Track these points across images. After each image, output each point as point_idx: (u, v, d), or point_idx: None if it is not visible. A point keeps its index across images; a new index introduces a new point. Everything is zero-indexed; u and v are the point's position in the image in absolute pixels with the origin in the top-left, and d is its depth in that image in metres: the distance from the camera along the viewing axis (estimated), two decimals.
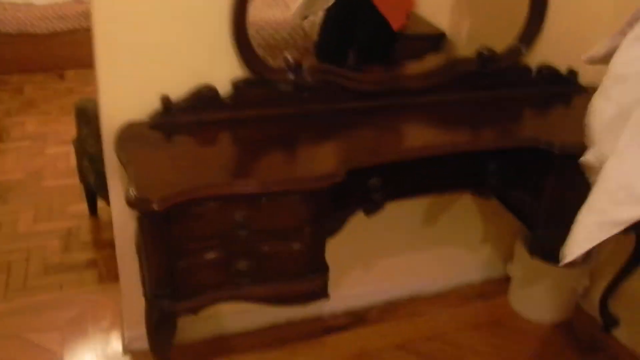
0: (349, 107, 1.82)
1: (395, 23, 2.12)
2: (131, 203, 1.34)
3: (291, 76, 1.73)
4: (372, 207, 1.59)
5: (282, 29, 2.57)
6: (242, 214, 1.41)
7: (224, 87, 1.72)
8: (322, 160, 1.57)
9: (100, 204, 2.87)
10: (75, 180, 2.90)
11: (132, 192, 1.35)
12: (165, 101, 1.66)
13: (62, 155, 3.43)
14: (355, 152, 1.60)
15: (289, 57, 1.73)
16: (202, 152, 1.58)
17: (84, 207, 2.94)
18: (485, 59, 1.95)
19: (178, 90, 1.69)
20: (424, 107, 1.87)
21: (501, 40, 2.05)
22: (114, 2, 1.57)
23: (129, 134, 1.63)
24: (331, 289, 1.59)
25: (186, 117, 1.69)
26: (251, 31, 1.68)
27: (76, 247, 2.75)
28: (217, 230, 1.42)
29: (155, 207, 1.31)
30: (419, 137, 1.73)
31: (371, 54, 2.22)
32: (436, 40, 2.57)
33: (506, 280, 2.50)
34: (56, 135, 3.66)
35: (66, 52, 4.40)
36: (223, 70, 1.72)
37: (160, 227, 1.37)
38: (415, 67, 2.13)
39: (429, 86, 1.89)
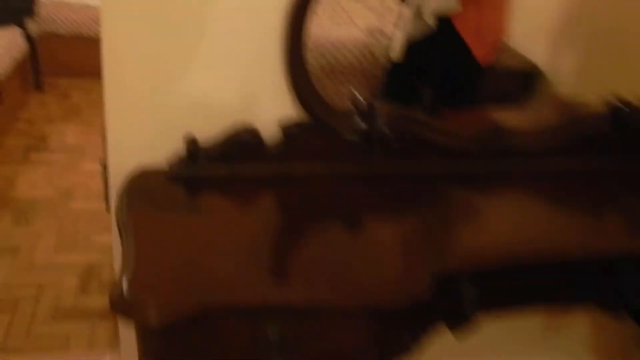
0: (434, 170, 1.36)
1: (483, 55, 1.66)
2: (117, 306, 0.92)
3: (361, 123, 1.28)
4: (459, 320, 1.12)
5: (344, 49, 2.15)
6: (276, 331, 0.96)
7: (268, 131, 1.29)
8: (398, 256, 1.12)
9: None
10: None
11: (122, 288, 0.93)
12: (191, 145, 1.25)
13: (98, 173, 3.08)
14: (446, 247, 1.13)
15: (359, 96, 1.29)
16: (232, 224, 1.14)
17: (110, 239, 2.57)
18: (621, 113, 1.45)
19: (208, 130, 1.27)
20: (535, 177, 1.39)
21: (618, 82, 1.56)
22: (127, 10, 1.17)
23: (140, 186, 1.22)
24: None
25: (217, 169, 1.27)
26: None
27: (94, 289, 2.38)
28: (241, 354, 0.97)
29: (152, 320, 0.89)
30: (532, 228, 1.24)
31: (452, 93, 1.76)
32: (529, 77, 2.09)
33: None
34: (95, 149, 3.33)
35: None
36: (269, 109, 1.30)
37: (158, 344, 0.94)
38: (517, 119, 1.64)
39: (543, 148, 1.41)
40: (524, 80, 2.09)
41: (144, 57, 1.22)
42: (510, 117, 1.62)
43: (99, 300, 2.31)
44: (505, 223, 1.25)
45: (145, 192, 1.20)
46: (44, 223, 2.72)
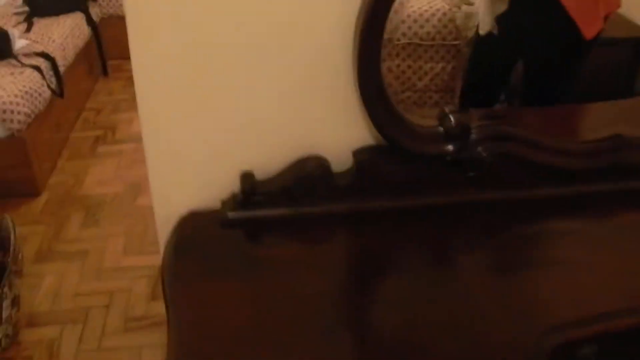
0: (540, 197, 1.10)
1: (589, 29, 1.37)
2: None
3: (450, 146, 1.04)
4: None
5: (424, 22, 1.89)
6: None
7: (338, 160, 1.08)
8: (508, 315, 0.89)
9: None
10: None
11: None
12: (247, 181, 1.05)
13: None
14: (563, 305, 0.89)
15: (449, 113, 1.04)
16: (300, 292, 0.94)
17: None
18: None
19: (266, 164, 1.07)
20: None
21: None
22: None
23: (190, 235, 1.04)
24: None
25: (279, 209, 1.07)
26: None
27: None
28: None
29: None
30: None
31: (549, 70, 1.48)
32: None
33: None
34: None
35: None
36: (337, 133, 1.08)
37: None
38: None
39: None
40: (631, 48, 1.77)
41: (185, 83, 1.02)
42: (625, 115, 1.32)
43: None
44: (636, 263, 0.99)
45: (196, 244, 1.02)
46: (112, 222, 2.64)
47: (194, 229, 1.05)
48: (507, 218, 1.07)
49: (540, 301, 0.93)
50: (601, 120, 1.28)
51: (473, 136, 1.05)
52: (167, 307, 0.91)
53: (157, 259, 2.40)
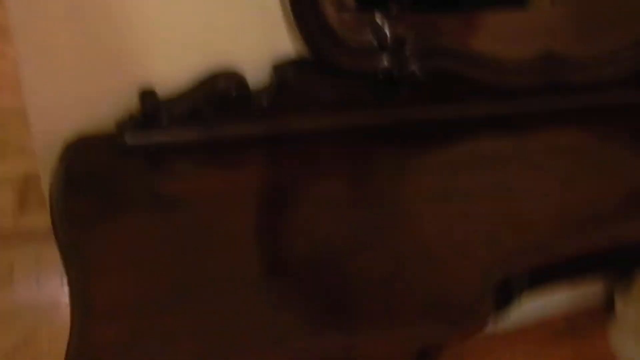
0: (475, 114, 1.03)
1: None
2: None
3: (384, 61, 0.93)
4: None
5: None
6: None
7: (256, 76, 0.93)
8: (446, 259, 0.82)
9: None
10: None
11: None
12: (149, 100, 0.88)
13: None
14: (505, 241, 0.84)
15: (384, 24, 0.92)
16: (216, 228, 0.81)
17: None
18: None
19: (171, 78, 0.90)
20: (595, 115, 1.09)
21: None
22: None
23: (80, 169, 0.86)
24: None
25: (186, 133, 0.91)
26: None
27: (34, 206, 2.04)
28: None
29: None
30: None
31: None
32: None
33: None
34: None
35: None
36: (256, 43, 0.92)
37: None
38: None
39: (607, 79, 1.09)
40: None
41: None
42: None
43: (42, 219, 1.99)
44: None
45: (90, 177, 0.85)
46: None
47: (85, 158, 0.87)
48: (439, 140, 1.00)
49: (481, 231, 0.87)
50: (525, 31, 1.22)
51: (408, 51, 0.94)
52: (63, 258, 0.76)
53: (20, 165, 2.14)
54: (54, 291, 1.76)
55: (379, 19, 0.91)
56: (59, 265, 0.79)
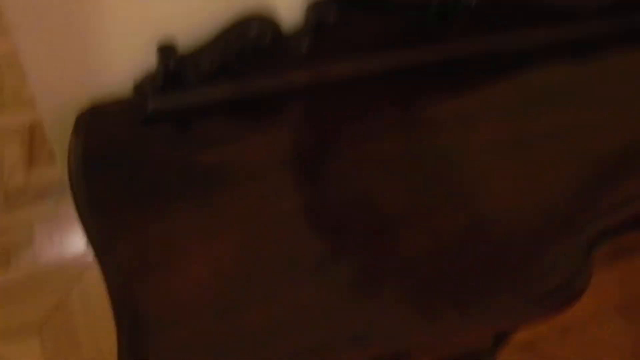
0: (539, 41, 0.90)
1: None
2: None
3: None
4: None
5: None
6: None
7: (287, 19, 0.80)
8: (512, 189, 0.72)
9: None
10: None
11: None
12: (169, 57, 0.76)
13: None
14: (573, 179, 0.74)
15: None
16: (271, 205, 0.71)
17: None
18: None
19: (193, 29, 0.77)
20: None
21: None
22: None
23: (98, 148, 0.75)
24: None
25: (214, 91, 0.79)
26: None
27: (44, 160, 1.95)
28: None
29: None
30: None
31: None
32: None
33: None
34: None
35: None
36: None
37: None
38: None
39: None
40: None
41: None
42: None
43: (55, 172, 1.90)
44: None
45: (112, 155, 0.74)
46: None
47: (103, 131, 0.76)
48: (503, 76, 0.87)
49: (550, 175, 0.77)
50: None
51: None
52: (94, 249, 0.66)
53: (23, 115, 2.03)
54: (78, 247, 1.70)
55: None
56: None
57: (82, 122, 0.77)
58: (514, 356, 1.54)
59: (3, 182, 1.84)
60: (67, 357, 1.47)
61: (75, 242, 1.70)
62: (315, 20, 0.79)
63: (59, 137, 0.78)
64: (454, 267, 0.64)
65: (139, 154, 0.74)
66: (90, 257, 1.34)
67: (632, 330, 1.66)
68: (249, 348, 0.55)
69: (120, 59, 0.77)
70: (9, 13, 0.67)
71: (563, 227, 0.67)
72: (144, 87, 0.77)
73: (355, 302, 0.58)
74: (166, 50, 0.75)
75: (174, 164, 0.73)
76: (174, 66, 0.76)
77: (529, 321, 0.64)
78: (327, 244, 0.66)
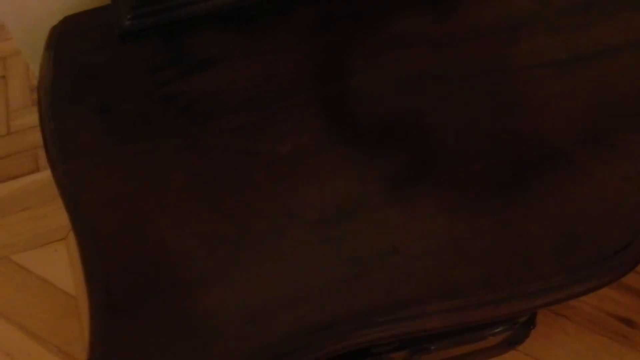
0: None
1: None
2: None
3: None
4: None
5: None
6: None
7: None
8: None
9: None
10: None
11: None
12: None
13: None
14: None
15: None
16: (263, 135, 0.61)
17: None
18: None
19: None
20: None
21: None
22: None
23: (77, 75, 0.65)
24: None
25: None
26: None
27: None
28: None
29: None
30: None
31: None
32: None
33: None
34: None
35: None
36: None
37: None
38: None
39: None
40: None
41: None
42: None
43: None
44: None
45: (94, 78, 0.64)
46: None
47: (77, 47, 0.66)
48: None
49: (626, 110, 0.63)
50: None
51: None
52: (63, 197, 0.58)
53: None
54: None
55: None
56: None
57: (56, 36, 0.67)
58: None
59: (27, 78, 1.79)
60: None
61: None
62: None
63: (34, 56, 0.69)
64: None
65: (117, 75, 0.64)
66: None
67: None
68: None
69: None
70: None
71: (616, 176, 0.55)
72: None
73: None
74: None
75: (155, 92, 0.63)
76: None
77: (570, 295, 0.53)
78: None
